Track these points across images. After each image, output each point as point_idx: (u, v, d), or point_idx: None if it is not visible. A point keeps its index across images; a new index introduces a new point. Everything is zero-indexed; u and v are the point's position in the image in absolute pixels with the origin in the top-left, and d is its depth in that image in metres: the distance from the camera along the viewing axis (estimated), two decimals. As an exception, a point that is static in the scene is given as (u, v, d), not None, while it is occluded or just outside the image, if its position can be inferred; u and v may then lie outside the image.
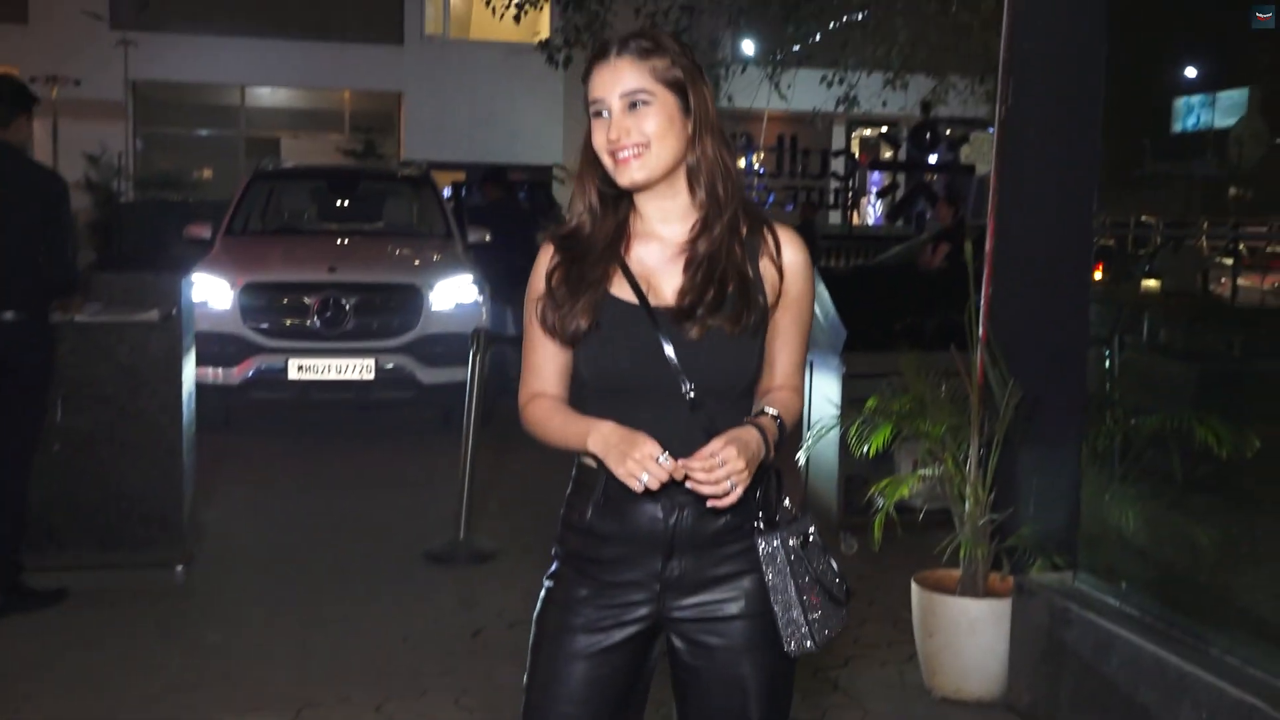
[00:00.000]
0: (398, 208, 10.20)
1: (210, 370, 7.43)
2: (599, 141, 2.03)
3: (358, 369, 7.84)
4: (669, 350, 2.00)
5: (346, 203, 10.35)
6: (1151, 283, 6.48)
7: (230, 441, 7.70)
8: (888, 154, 17.86)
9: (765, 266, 2.07)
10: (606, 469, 1.97)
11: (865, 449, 5.09)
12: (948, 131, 19.17)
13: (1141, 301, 5.25)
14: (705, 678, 2.09)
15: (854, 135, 27.35)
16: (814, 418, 5.91)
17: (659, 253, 2.09)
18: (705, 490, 1.91)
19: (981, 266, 4.25)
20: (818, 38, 11.91)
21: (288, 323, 7.92)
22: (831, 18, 11.64)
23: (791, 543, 2.03)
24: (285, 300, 7.97)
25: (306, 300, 7.90)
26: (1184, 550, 3.87)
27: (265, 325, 7.88)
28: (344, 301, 7.88)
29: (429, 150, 22.95)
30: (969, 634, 4.02)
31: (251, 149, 24.81)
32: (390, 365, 7.90)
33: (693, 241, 2.06)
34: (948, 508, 4.21)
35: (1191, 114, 6.68)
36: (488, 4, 12.53)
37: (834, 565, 2.10)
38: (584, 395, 2.11)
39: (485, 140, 24.90)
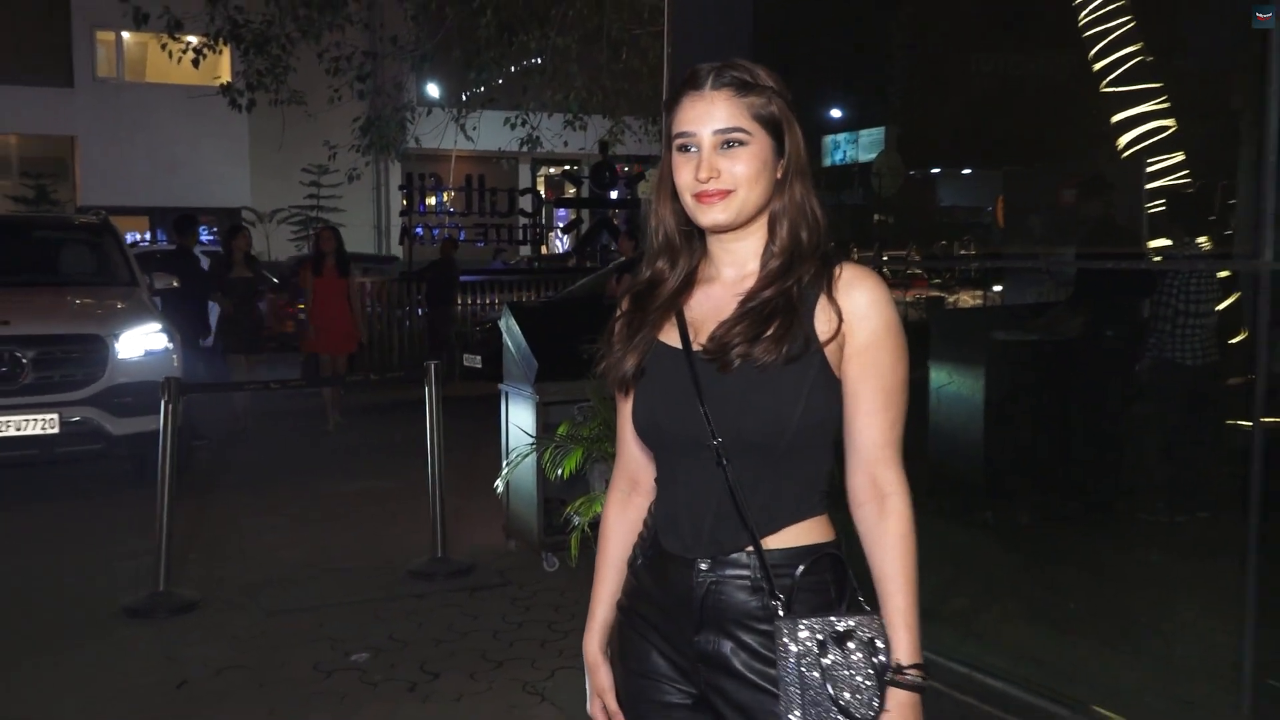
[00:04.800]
0: (76, 256, 9.79)
1: None
2: (683, 180, 1.82)
3: (39, 424, 7.52)
4: (698, 394, 1.79)
5: (18, 252, 9.86)
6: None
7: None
8: (571, 191, 18.39)
9: (821, 306, 1.79)
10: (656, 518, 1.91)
11: (559, 472, 5.42)
12: (625, 169, 20.03)
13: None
14: None
15: (539, 174, 28.04)
16: (511, 445, 6.17)
17: (718, 296, 1.88)
18: None
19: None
20: (499, 82, 12.25)
21: (-42, 381, 7.52)
22: (511, 63, 12.01)
23: (807, 635, 1.71)
24: (-46, 357, 7.56)
25: (-22, 356, 7.52)
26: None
27: (-69, 385, 7.44)
28: (20, 355, 7.56)
29: (108, 195, 22.03)
30: (659, 634, 4.34)
31: (-97, 198, 23.08)
32: (76, 418, 7.62)
33: (758, 286, 1.83)
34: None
35: (839, 150, 7.40)
36: (163, 47, 12.19)
37: (869, 678, 1.71)
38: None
39: (168, 184, 24.08)
